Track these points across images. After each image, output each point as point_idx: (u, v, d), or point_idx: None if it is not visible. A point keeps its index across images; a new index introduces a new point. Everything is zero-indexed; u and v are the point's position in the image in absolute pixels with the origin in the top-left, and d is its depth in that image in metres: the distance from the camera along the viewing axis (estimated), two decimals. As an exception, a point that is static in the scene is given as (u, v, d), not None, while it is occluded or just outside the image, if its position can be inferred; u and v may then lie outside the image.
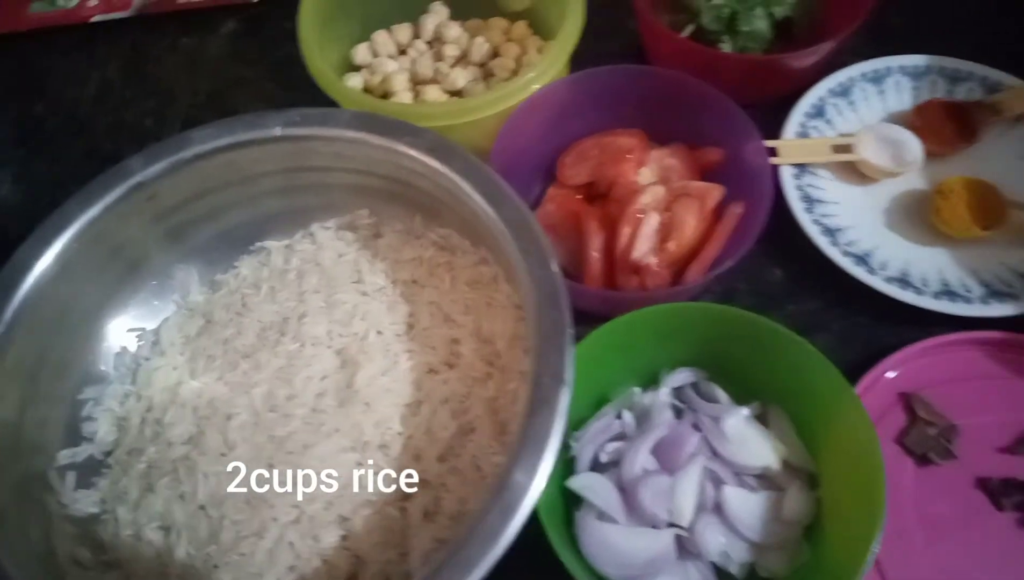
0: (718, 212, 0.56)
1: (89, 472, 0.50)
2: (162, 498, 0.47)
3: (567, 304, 0.42)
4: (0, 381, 0.45)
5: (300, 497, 0.46)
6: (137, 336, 0.55)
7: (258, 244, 0.57)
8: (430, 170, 0.48)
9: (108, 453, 0.51)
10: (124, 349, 0.54)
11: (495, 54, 0.66)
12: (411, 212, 0.55)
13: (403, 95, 0.64)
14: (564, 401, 0.40)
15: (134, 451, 0.50)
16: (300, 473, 0.46)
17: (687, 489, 0.47)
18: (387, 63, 0.66)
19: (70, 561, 0.45)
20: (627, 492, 0.47)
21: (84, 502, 0.48)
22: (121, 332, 0.54)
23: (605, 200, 0.59)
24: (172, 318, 0.55)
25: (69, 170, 0.69)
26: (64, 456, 0.49)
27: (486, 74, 0.66)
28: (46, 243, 0.48)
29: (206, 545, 0.46)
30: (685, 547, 0.46)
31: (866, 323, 0.57)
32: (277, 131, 0.50)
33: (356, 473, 0.46)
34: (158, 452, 0.49)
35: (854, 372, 0.53)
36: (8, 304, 0.46)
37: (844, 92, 0.64)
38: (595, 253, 0.56)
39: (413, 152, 0.48)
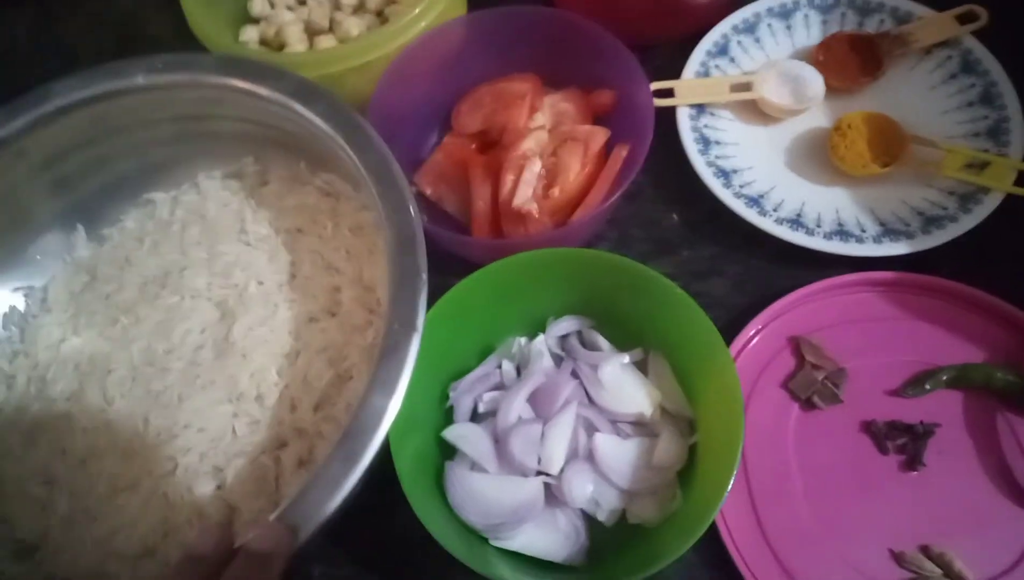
0: (605, 156, 0.55)
1: None
2: (43, 452, 0.48)
3: (422, 249, 0.42)
4: None
5: (175, 450, 0.46)
6: (24, 294, 0.54)
7: (145, 196, 0.56)
8: (294, 114, 0.47)
9: None
10: (13, 308, 0.54)
11: (392, 1, 0.64)
12: (295, 158, 0.54)
13: (297, 46, 0.62)
14: (413, 349, 0.40)
15: (20, 408, 0.50)
16: (175, 426, 0.46)
17: (558, 437, 0.46)
18: (283, 14, 0.64)
19: None
20: (500, 441, 0.47)
21: None
22: (8, 290, 0.54)
23: (497, 148, 0.57)
24: (59, 274, 0.55)
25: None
26: None
27: (384, 22, 0.64)
28: None
29: (85, 498, 0.46)
30: (554, 495, 0.46)
31: (761, 267, 0.55)
32: (140, 80, 0.49)
33: (231, 424, 0.46)
34: (42, 408, 0.50)
35: (746, 315, 0.52)
36: None
37: (750, 28, 0.62)
38: (481, 202, 0.54)
39: (276, 95, 0.47)
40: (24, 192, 0.53)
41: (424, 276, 0.41)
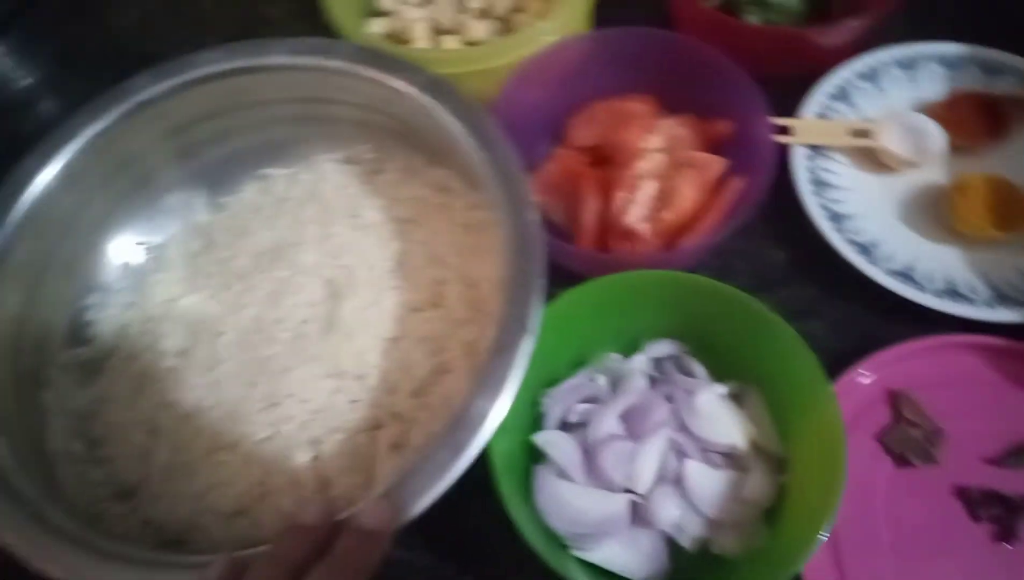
0: (720, 186, 0.55)
1: (88, 372, 0.52)
2: (151, 403, 0.50)
3: (541, 255, 0.42)
4: (7, 279, 0.48)
5: (276, 417, 0.47)
6: (145, 249, 0.57)
7: (263, 170, 0.58)
8: (424, 108, 0.48)
9: (107, 355, 0.53)
10: (129, 261, 0.56)
11: (519, 9, 0.65)
12: (413, 151, 0.55)
13: (421, 43, 0.64)
14: (525, 349, 0.40)
15: (130, 357, 0.52)
16: (278, 394, 0.48)
17: (648, 457, 0.46)
18: (411, 11, 0.66)
19: (63, 453, 0.48)
20: (590, 454, 0.47)
21: (80, 400, 0.51)
22: (128, 244, 0.56)
23: (608, 164, 0.58)
24: (177, 235, 0.57)
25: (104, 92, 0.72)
26: (66, 356, 0.51)
27: (508, 28, 0.65)
28: (53, 152, 0.50)
29: (185, 451, 0.48)
30: (640, 514, 0.46)
31: (861, 314, 0.55)
32: (280, 59, 0.51)
33: (332, 399, 0.48)
34: (152, 359, 0.51)
35: (841, 362, 0.51)
36: (15, 207, 0.49)
37: (872, 76, 0.61)
38: (589, 214, 0.55)
39: (407, 88, 0.49)
40: (154, 154, 0.55)
41: (541, 281, 0.42)
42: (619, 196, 0.54)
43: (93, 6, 0.79)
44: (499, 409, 0.39)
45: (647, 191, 0.53)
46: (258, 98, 0.54)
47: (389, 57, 0.50)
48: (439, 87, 0.48)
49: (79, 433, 0.49)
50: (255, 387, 0.48)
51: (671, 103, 0.60)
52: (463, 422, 0.39)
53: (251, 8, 0.76)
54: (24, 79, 0.75)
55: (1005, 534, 0.46)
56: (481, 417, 0.39)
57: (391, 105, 0.51)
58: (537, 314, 0.41)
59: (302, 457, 0.46)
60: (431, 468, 0.38)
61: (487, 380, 0.40)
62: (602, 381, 0.51)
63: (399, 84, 0.49)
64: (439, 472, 0.38)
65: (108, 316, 0.54)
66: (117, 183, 0.54)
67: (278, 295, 0.51)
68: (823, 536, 0.40)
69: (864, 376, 0.51)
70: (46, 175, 0.50)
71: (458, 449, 0.38)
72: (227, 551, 0.37)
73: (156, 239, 0.57)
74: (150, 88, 0.51)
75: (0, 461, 0.42)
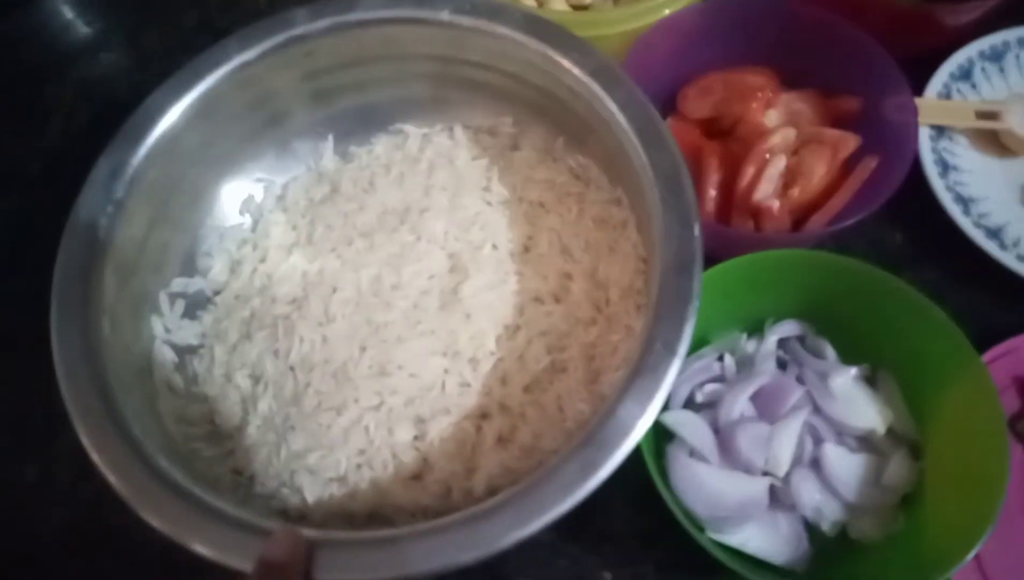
0: (848, 164, 0.53)
1: (197, 305, 0.50)
2: (257, 348, 0.48)
3: (699, 273, 0.39)
4: (135, 200, 0.46)
5: (384, 387, 0.45)
6: (264, 186, 0.54)
7: (397, 125, 0.55)
8: (589, 93, 0.45)
9: (217, 292, 0.51)
10: (251, 196, 0.54)
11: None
12: (555, 132, 0.52)
13: (526, 1, 0.61)
14: (672, 373, 0.37)
15: (241, 297, 0.50)
16: (389, 363, 0.46)
17: (786, 440, 0.45)
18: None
19: (164, 384, 0.46)
20: (722, 435, 0.46)
21: (186, 332, 0.49)
22: (250, 180, 0.54)
23: (727, 137, 0.56)
24: (301, 178, 0.55)
25: (179, 41, 0.69)
26: (178, 284, 0.49)
27: (618, -5, 0.63)
28: (198, 77, 0.48)
29: (288, 405, 0.46)
30: (778, 498, 0.45)
31: (987, 300, 0.54)
32: (445, 15, 0.48)
33: (442, 379, 0.46)
34: (262, 304, 0.49)
35: (968, 348, 0.50)
36: (152, 130, 0.47)
37: (997, 56, 0.60)
38: (712, 190, 0.53)
39: (576, 70, 0.45)
40: (291, 93, 0.53)
41: (696, 303, 0.39)
42: (748, 171, 0.52)
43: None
44: (639, 429, 0.36)
45: (778, 166, 0.51)
46: (406, 52, 0.51)
47: (561, 31, 0.46)
48: (610, 74, 0.45)
49: (180, 366, 0.48)
50: (365, 352, 0.46)
51: (789, 76, 0.58)
52: (599, 439, 0.36)
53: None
54: (91, 23, 0.72)
55: None
56: (620, 436, 0.36)
57: (546, 80, 0.48)
58: (688, 338, 0.38)
59: (405, 434, 0.44)
60: (559, 483, 0.35)
61: (629, 397, 0.36)
62: (729, 361, 0.50)
63: (568, 64, 0.45)
64: (566, 490, 0.35)
65: (223, 249, 0.52)
66: (251, 118, 0.52)
67: (400, 259, 0.49)
68: (984, 538, 0.39)
69: (992, 362, 0.50)
70: (187, 100, 0.47)
71: (590, 468, 0.35)
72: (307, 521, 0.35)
73: (281, 179, 0.54)
74: (307, 24, 0.48)
75: (109, 391, 0.40)
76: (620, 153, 0.45)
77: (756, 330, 0.51)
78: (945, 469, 0.44)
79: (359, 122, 0.55)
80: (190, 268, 0.51)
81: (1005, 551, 0.45)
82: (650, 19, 0.55)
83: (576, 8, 0.62)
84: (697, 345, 0.51)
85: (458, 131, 0.54)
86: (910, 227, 0.57)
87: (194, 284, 0.50)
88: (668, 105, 0.60)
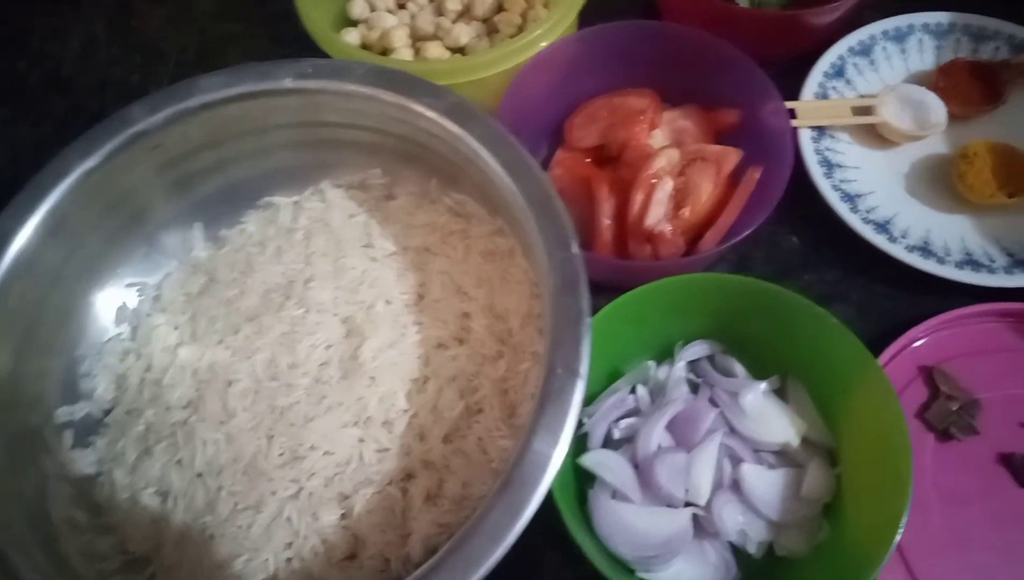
0: (734, 177, 0.54)
1: (86, 431, 0.48)
2: (159, 463, 0.46)
3: (586, 291, 0.39)
4: None
5: (300, 472, 0.44)
6: (137, 290, 0.52)
7: (266, 199, 0.54)
8: (448, 134, 0.45)
9: (106, 412, 0.49)
10: (124, 304, 0.51)
11: (499, 8, 0.63)
12: (426, 175, 0.52)
13: (403, 52, 0.61)
14: (577, 396, 0.37)
15: (132, 411, 0.48)
16: (300, 447, 0.44)
17: (704, 466, 0.45)
18: (385, 18, 0.63)
19: (65, 523, 0.44)
20: (642, 470, 0.46)
21: (81, 462, 0.46)
22: (121, 286, 0.52)
23: (616, 164, 0.56)
24: (175, 274, 0.53)
25: (52, 130, 0.66)
26: (62, 413, 0.47)
27: (490, 30, 0.63)
28: (42, 194, 0.45)
29: (203, 515, 0.44)
30: (702, 526, 0.45)
31: (886, 293, 0.55)
32: (288, 83, 0.47)
33: (358, 450, 0.44)
34: (156, 415, 0.47)
35: (874, 344, 0.50)
36: (2, 255, 0.44)
37: (865, 51, 0.61)
38: (606, 220, 0.53)
39: (431, 113, 0.45)
40: (148, 189, 0.51)
41: (588, 320, 0.39)
42: (637, 197, 0.52)
43: (31, 34, 0.72)
44: (555, 460, 0.36)
45: (666, 189, 0.51)
46: (260, 125, 0.50)
47: (407, 78, 0.46)
48: (464, 111, 0.45)
49: (80, 500, 0.45)
50: (274, 440, 0.45)
51: (670, 94, 0.58)
52: (517, 478, 0.35)
53: (210, 25, 0.71)
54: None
55: (1053, 496, 0.47)
56: (539, 471, 0.35)
57: (404, 128, 0.48)
58: (587, 357, 0.38)
59: (331, 516, 0.43)
60: (488, 531, 0.34)
61: (539, 430, 0.36)
62: (643, 392, 0.49)
63: (419, 108, 0.45)
64: (497, 535, 0.34)
65: (105, 367, 0.49)
66: (109, 223, 0.50)
67: (293, 336, 0.47)
68: (900, 533, 0.39)
69: (896, 355, 0.51)
70: (34, 219, 0.45)
71: (515, 509, 0.35)
72: None
73: (151, 279, 0.52)
74: (147, 118, 0.47)
75: None
76: (491, 186, 0.45)
77: (668, 356, 0.51)
78: (859, 472, 0.45)
79: (225, 203, 0.53)
80: (72, 394, 0.48)
81: (926, 540, 0.46)
82: (527, 55, 0.55)
83: (453, 51, 0.61)
84: (610, 379, 0.50)
85: (329, 192, 0.53)
86: (806, 230, 0.58)
87: (79, 410, 0.48)
88: (556, 137, 0.59)
